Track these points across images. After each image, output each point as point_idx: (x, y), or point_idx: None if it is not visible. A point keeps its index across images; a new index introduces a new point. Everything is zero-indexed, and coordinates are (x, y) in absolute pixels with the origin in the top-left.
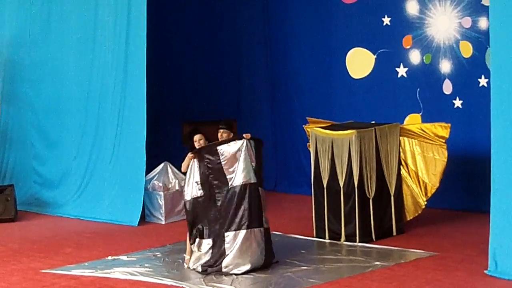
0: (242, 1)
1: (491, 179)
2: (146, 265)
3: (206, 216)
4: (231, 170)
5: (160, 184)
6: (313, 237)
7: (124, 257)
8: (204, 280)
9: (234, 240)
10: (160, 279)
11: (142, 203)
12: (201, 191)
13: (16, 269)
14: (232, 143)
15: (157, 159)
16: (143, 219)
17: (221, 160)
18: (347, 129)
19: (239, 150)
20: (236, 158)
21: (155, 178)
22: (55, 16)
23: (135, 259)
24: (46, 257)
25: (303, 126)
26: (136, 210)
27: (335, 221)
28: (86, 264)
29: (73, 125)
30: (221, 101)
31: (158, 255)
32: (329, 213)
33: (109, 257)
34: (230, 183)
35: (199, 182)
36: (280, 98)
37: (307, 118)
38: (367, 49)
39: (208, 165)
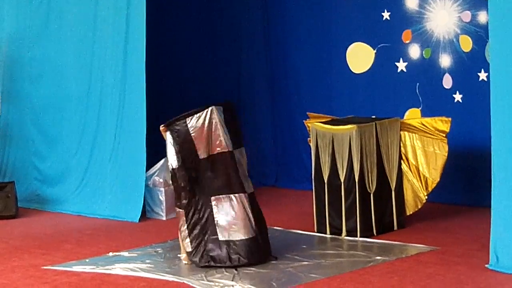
0: None
1: (491, 173)
2: (147, 261)
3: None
4: (201, 141)
5: (161, 180)
6: (314, 232)
7: (125, 253)
8: (205, 276)
9: (217, 206)
10: (162, 275)
11: (143, 199)
12: (177, 161)
13: (17, 266)
14: (198, 114)
15: (157, 155)
16: (144, 215)
17: (191, 132)
18: (347, 124)
19: (206, 120)
20: (205, 129)
21: (155, 174)
22: (54, 13)
23: (136, 255)
24: (47, 253)
25: (303, 121)
26: (137, 206)
27: (336, 216)
28: (87, 260)
29: (74, 122)
30: (221, 96)
31: (159, 251)
32: (330, 208)
33: (110, 253)
34: (201, 154)
35: (175, 153)
36: (280, 93)
37: (307, 113)
38: (367, 43)
39: (178, 136)
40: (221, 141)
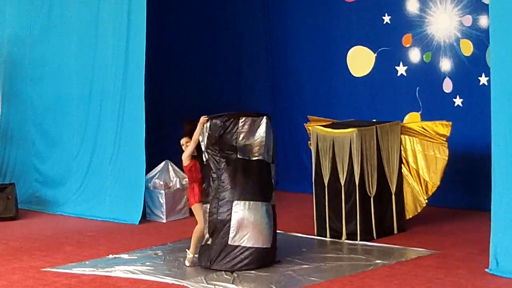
0: (243, 0)
1: (491, 177)
2: (147, 263)
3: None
4: (245, 142)
5: (161, 183)
6: (314, 235)
7: (125, 256)
8: (205, 278)
9: (241, 209)
10: (161, 278)
11: (143, 202)
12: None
13: (17, 268)
14: (252, 119)
15: (158, 157)
16: (144, 218)
17: (239, 130)
18: (348, 128)
19: (259, 125)
20: (254, 133)
21: (156, 176)
22: (56, 14)
23: (136, 257)
24: (47, 255)
25: (304, 124)
26: (137, 209)
27: (336, 219)
28: (87, 262)
29: (74, 124)
30: (222, 99)
31: (159, 254)
32: (330, 212)
33: (110, 256)
34: (238, 154)
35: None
36: (281, 96)
37: (308, 116)
38: (367, 47)
39: (225, 130)
40: (262, 151)
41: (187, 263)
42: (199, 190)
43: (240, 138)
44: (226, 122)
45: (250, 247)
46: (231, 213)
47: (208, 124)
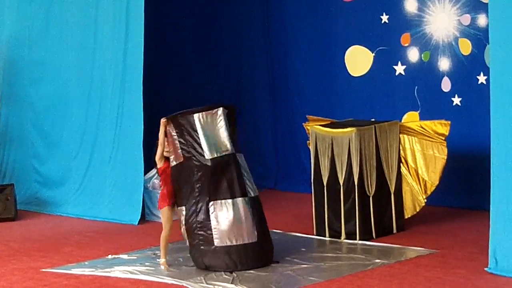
0: (243, 0)
1: (491, 176)
2: (146, 263)
3: (185, 184)
4: (206, 140)
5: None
6: (313, 235)
7: (125, 256)
8: (204, 278)
9: (220, 210)
10: (161, 278)
11: (142, 202)
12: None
13: (17, 268)
14: (207, 112)
15: None
16: (143, 218)
17: (197, 129)
18: (347, 127)
19: (215, 119)
20: (213, 128)
21: (155, 177)
22: (54, 16)
23: (135, 257)
24: (46, 256)
25: (303, 124)
26: (136, 209)
27: (335, 219)
28: (86, 263)
29: (74, 125)
30: (221, 99)
31: (159, 254)
32: (329, 211)
33: (109, 256)
34: (206, 154)
35: (179, 148)
36: (280, 96)
37: (307, 116)
38: (365, 47)
39: (184, 132)
40: (226, 143)
41: (162, 268)
42: (169, 193)
43: (201, 135)
44: (181, 121)
45: (235, 245)
46: (209, 215)
47: (171, 128)
